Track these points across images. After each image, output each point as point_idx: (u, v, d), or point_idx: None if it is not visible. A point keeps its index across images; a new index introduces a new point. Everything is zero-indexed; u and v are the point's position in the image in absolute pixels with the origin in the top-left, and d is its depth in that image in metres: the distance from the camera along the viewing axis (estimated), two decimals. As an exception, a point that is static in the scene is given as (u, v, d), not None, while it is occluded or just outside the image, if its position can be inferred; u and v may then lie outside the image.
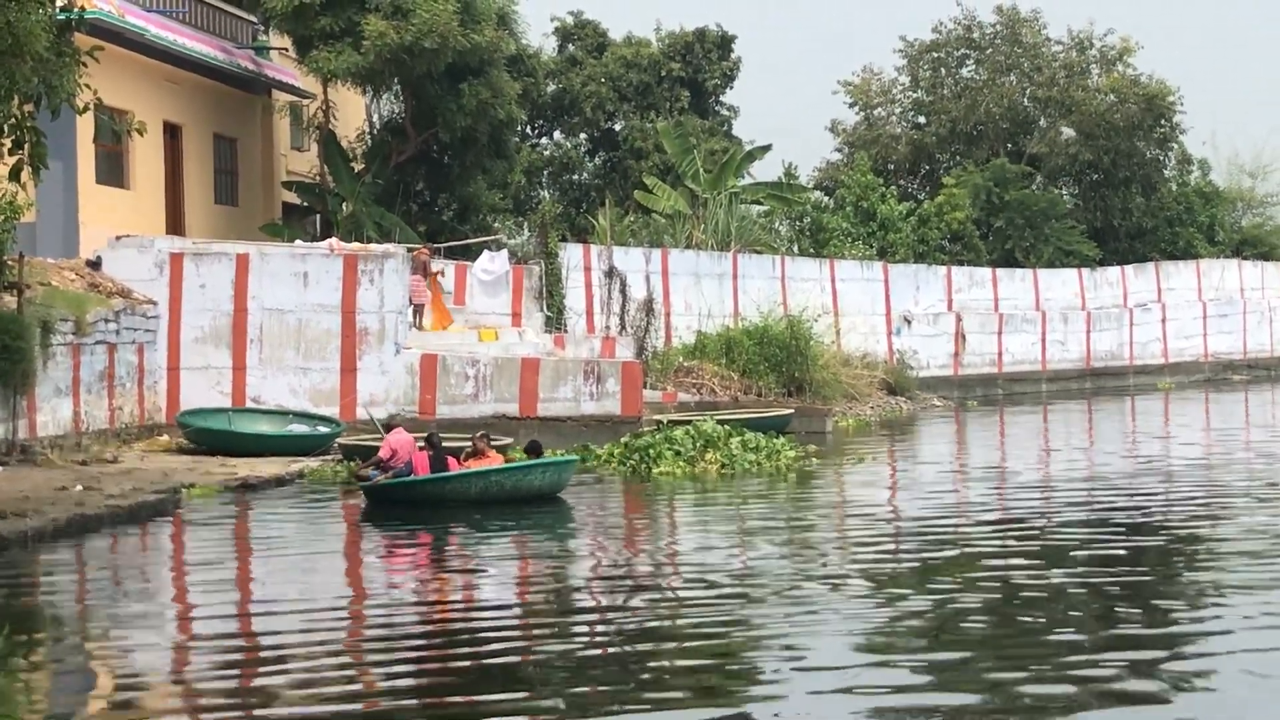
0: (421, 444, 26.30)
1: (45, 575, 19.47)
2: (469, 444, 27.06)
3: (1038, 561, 19.22)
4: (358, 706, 12.57)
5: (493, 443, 27.82)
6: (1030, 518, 24.02)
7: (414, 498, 25.45)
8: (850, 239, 60.79)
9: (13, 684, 10.62)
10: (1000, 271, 64.11)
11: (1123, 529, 22.20)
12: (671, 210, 54.47)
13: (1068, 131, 71.93)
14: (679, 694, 13.10)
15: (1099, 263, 69.00)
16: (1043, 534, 21.94)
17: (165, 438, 33.18)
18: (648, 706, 12.65)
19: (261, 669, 13.99)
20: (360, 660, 14.39)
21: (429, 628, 15.93)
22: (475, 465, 26.12)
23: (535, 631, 15.82)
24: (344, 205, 45.28)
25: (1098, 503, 25.66)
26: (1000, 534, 22.07)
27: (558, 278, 43.50)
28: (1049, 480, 30.02)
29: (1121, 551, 20.19)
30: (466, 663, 14.18)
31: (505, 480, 25.78)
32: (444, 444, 26.76)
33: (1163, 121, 71.94)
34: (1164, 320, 67.56)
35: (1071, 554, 20.04)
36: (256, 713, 12.40)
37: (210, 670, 14.03)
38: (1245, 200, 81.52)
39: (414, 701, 12.76)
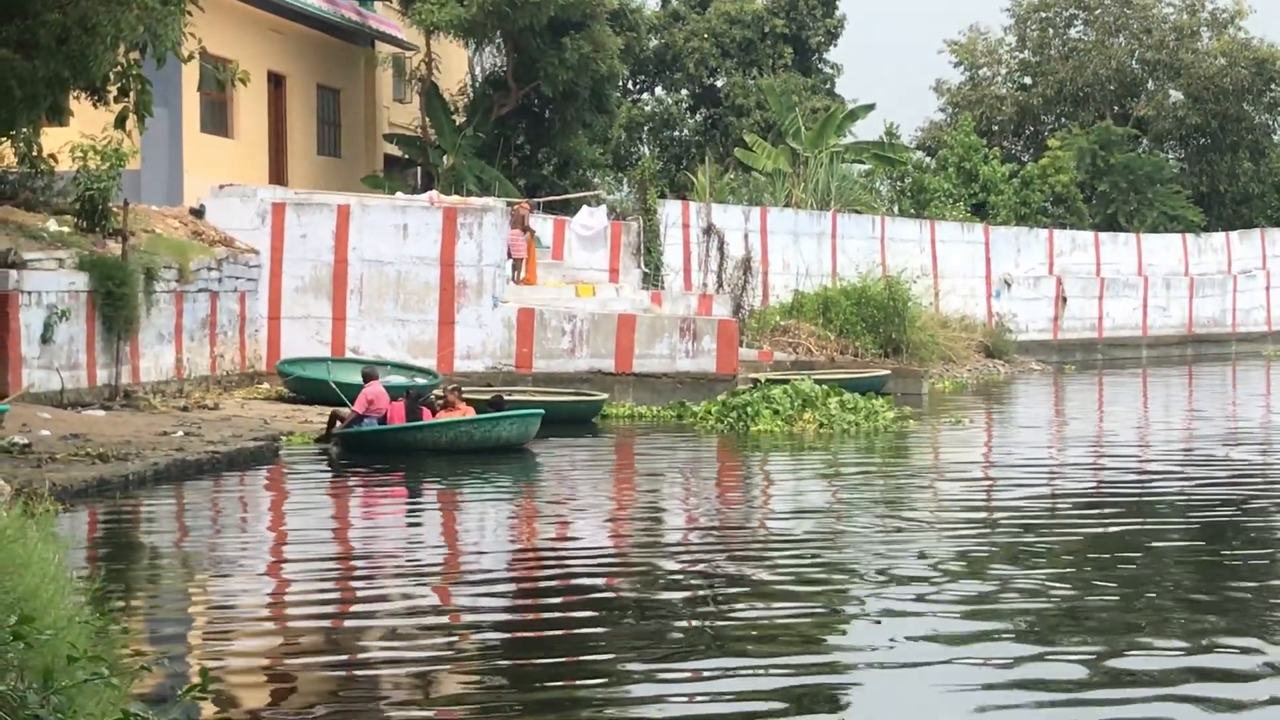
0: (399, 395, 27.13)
1: (146, 518, 19.72)
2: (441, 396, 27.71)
3: (1129, 522, 19.04)
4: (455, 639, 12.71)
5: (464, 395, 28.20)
6: (1125, 481, 23.83)
7: (387, 445, 26.04)
8: (951, 200, 60.37)
9: (109, 627, 10.72)
10: (1103, 235, 63.44)
11: (1221, 497, 21.94)
12: (772, 168, 54.26)
13: (1175, 94, 70.98)
14: (771, 630, 13.27)
15: (1204, 228, 68.10)
16: (1136, 497, 21.74)
17: (265, 385, 33.56)
18: (741, 646, 12.80)
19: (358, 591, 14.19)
20: (451, 597, 14.54)
21: (533, 570, 16.08)
22: (446, 417, 26.64)
23: (630, 572, 16.08)
24: (445, 158, 45.44)
25: (1194, 470, 25.35)
26: (1093, 498, 21.92)
27: (656, 234, 43.45)
28: (1146, 445, 29.73)
29: (1217, 518, 19.98)
30: (561, 598, 14.40)
31: (474, 431, 26.42)
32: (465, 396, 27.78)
33: (1273, 86, 70.85)
34: (1269, 287, 66.62)
35: (1166, 517, 19.85)
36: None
37: (306, 608, 14.21)
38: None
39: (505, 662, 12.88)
